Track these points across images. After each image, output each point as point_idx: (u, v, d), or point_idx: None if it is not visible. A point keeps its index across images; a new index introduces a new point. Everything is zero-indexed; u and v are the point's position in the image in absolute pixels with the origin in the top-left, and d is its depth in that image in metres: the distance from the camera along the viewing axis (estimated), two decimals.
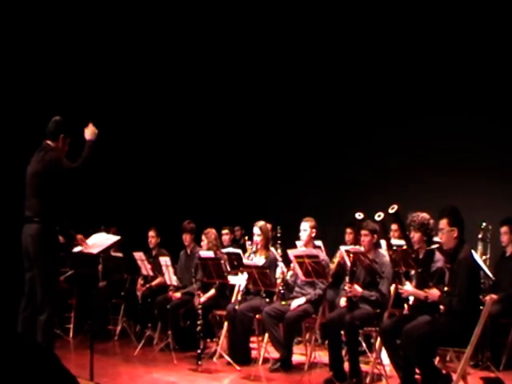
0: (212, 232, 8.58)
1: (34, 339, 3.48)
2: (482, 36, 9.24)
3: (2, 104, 9.56)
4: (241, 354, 7.54)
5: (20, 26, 9.97)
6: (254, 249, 7.95)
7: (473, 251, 5.96)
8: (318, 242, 8.25)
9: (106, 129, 11.03)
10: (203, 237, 8.49)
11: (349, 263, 6.93)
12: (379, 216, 6.00)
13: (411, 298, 6.10)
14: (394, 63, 10.10)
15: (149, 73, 11.64)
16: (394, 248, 6.36)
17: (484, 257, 7.83)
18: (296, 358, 7.59)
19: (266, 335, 7.53)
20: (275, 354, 7.50)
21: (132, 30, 11.26)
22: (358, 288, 6.67)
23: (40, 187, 5.95)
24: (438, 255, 6.02)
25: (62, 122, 6.12)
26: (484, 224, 7.97)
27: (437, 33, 9.65)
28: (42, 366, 2.32)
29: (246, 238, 9.17)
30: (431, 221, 6.05)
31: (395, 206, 5.84)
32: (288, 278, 7.59)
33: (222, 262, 7.75)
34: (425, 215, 6.06)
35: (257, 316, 7.55)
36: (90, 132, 6.17)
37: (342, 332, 6.68)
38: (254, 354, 7.79)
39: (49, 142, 6.06)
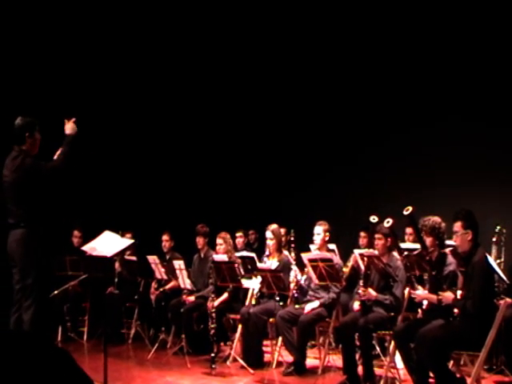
0: (228, 236, 8.60)
1: (52, 341, 3.50)
2: (496, 43, 9.19)
3: None
4: (254, 358, 7.54)
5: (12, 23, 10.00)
6: (267, 252, 7.96)
7: (487, 254, 5.93)
8: (332, 246, 8.26)
9: (119, 134, 11.23)
10: (221, 240, 8.42)
11: (363, 267, 6.92)
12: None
13: (425, 302, 6.07)
14: (409, 67, 10.05)
15: (165, 79, 11.69)
16: (406, 253, 6.32)
17: (498, 260, 7.79)
18: (310, 361, 7.58)
19: (280, 339, 7.52)
20: (289, 358, 7.49)
21: (132, 29, 11.27)
22: (371, 292, 6.66)
23: (21, 196, 5.92)
24: (450, 258, 6.00)
25: (23, 123, 6.04)
26: (498, 227, 7.93)
27: (452, 40, 9.61)
28: (59, 367, 2.34)
29: None
30: (443, 224, 5.99)
31: (410, 208, 5.78)
32: (302, 281, 7.59)
33: (236, 265, 7.76)
34: (436, 219, 6.01)
35: (270, 319, 7.55)
36: (69, 127, 6.19)
37: (356, 336, 6.68)
38: (267, 357, 7.79)
39: (18, 146, 6.01)
